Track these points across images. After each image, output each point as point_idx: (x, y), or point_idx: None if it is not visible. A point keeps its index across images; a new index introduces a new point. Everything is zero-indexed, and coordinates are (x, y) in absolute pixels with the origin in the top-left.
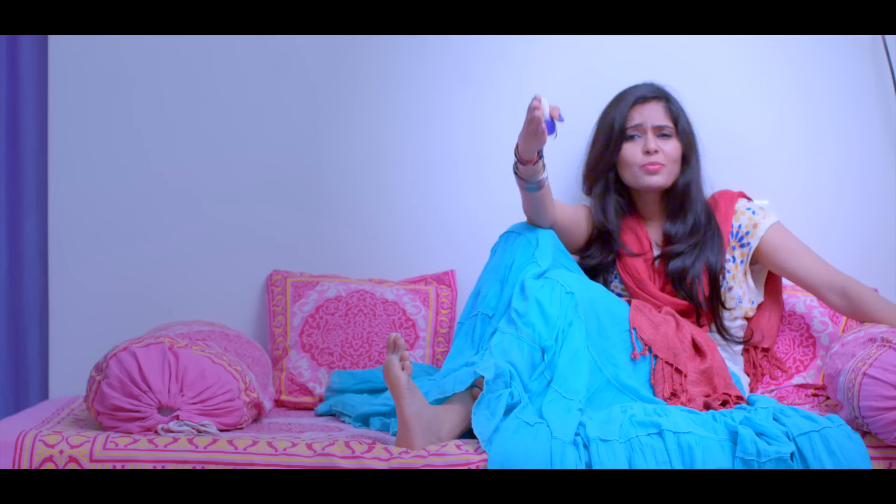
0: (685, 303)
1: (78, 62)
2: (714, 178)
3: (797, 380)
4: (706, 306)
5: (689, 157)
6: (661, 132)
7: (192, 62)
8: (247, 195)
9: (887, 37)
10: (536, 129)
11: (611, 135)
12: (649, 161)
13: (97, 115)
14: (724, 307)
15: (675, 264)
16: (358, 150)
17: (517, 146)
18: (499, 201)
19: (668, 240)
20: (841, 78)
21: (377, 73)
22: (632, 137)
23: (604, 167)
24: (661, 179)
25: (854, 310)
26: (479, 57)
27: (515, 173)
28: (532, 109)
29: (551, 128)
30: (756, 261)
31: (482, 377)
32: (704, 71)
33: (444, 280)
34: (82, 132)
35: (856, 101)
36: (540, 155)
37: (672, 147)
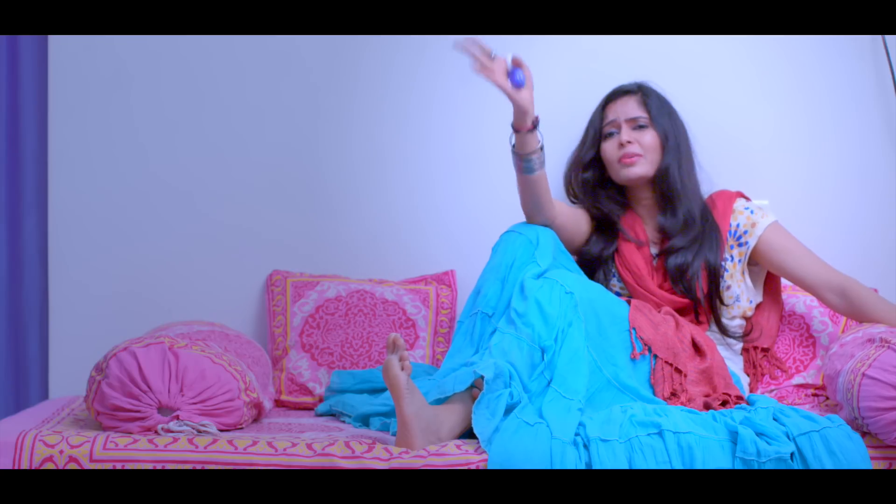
0: (684, 300)
1: (78, 62)
2: (714, 178)
3: (797, 380)
4: (705, 304)
5: (665, 145)
6: (635, 124)
7: (192, 62)
8: (247, 195)
9: (887, 37)
10: (490, 78)
11: (587, 136)
12: (624, 153)
13: (97, 115)
14: (723, 303)
15: (675, 260)
16: (358, 150)
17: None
18: (499, 201)
19: (663, 235)
20: (841, 78)
21: (377, 73)
22: (610, 135)
23: (584, 168)
24: (640, 170)
25: (853, 310)
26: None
27: (512, 151)
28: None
29: (514, 77)
30: (755, 261)
31: (482, 377)
32: (705, 71)
33: (444, 280)
34: (82, 132)
35: (856, 101)
36: (534, 125)
37: (649, 137)
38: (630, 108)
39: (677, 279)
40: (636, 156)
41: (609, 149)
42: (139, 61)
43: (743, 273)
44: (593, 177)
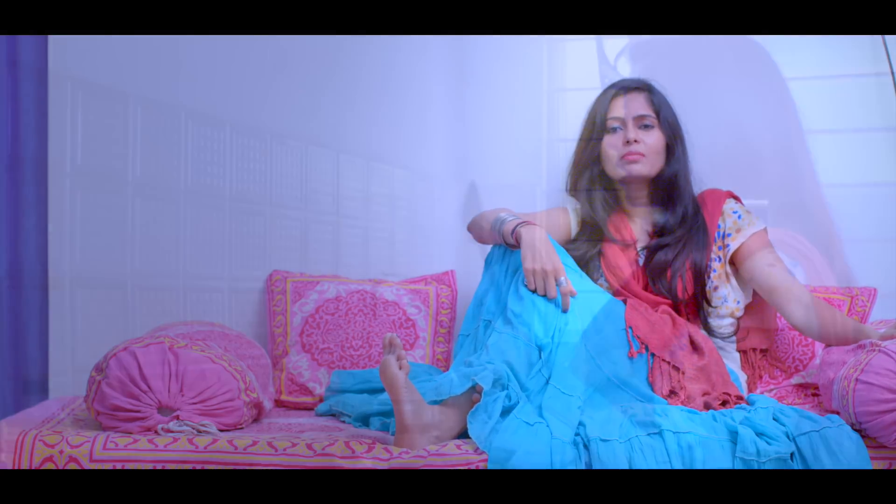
0: (667, 301)
1: (78, 62)
2: (713, 177)
3: (797, 379)
4: (689, 303)
5: (673, 148)
6: (642, 122)
7: (192, 62)
8: (246, 195)
9: (887, 37)
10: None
11: (592, 128)
12: (628, 151)
13: (96, 115)
14: (710, 305)
15: (658, 258)
16: (357, 150)
17: (518, 231)
18: (498, 201)
19: (658, 231)
20: (841, 78)
21: (377, 73)
22: (613, 129)
23: (586, 161)
24: (642, 169)
25: (812, 320)
26: (479, 57)
27: (495, 230)
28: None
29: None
30: (732, 264)
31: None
32: (704, 70)
33: (444, 280)
34: (82, 132)
35: (856, 101)
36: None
37: (654, 138)
38: (638, 105)
39: (658, 277)
40: (639, 155)
41: (611, 143)
42: (139, 61)
43: (728, 274)
44: (592, 173)
